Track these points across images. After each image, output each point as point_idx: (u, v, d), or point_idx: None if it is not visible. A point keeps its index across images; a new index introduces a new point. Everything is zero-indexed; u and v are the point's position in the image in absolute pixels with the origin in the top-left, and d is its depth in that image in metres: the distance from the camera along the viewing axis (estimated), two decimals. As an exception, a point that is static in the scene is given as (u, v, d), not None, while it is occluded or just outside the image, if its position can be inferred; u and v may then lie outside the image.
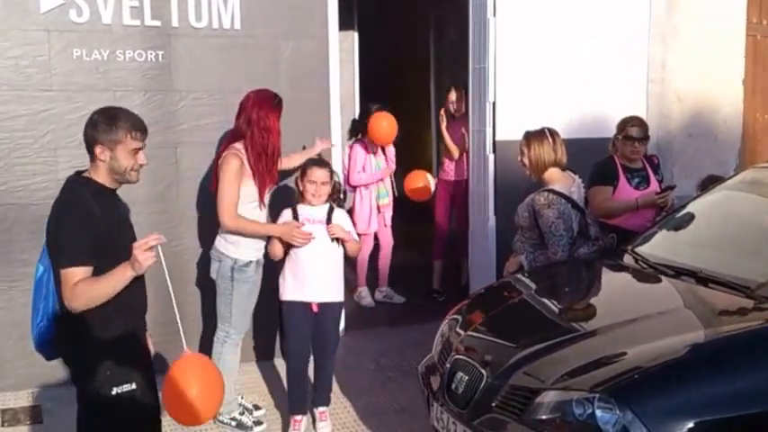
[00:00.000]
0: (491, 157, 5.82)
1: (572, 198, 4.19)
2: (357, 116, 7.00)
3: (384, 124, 6.32)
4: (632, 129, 4.85)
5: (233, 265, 4.21)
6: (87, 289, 2.82)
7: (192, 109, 4.98)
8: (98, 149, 2.94)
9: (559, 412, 2.88)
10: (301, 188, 4.17)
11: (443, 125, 6.72)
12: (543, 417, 2.91)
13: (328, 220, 4.15)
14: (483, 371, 3.22)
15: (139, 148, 3.00)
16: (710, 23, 6.48)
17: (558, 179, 4.21)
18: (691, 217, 4.25)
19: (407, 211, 7.19)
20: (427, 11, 9.09)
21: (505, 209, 5.84)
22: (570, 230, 4.17)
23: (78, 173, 3.06)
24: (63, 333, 2.98)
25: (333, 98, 5.39)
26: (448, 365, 3.46)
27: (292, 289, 4.19)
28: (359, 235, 6.50)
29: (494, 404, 3.10)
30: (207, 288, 4.73)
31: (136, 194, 4.78)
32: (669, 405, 2.71)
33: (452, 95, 6.71)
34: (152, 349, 3.29)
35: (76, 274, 2.82)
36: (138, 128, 3.01)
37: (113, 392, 2.91)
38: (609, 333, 3.14)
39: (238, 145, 4.13)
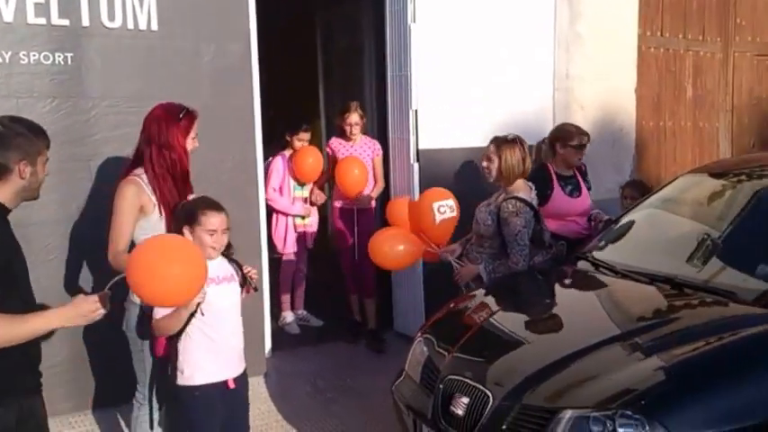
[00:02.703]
0: (415, 166, 5.67)
1: (534, 206, 4.14)
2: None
3: (310, 161, 5.77)
4: (583, 137, 4.92)
5: (141, 314, 3.39)
6: None
7: (106, 117, 4.46)
8: (21, 166, 2.59)
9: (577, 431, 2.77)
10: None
11: (337, 153, 5.79)
12: (562, 437, 2.79)
13: (241, 275, 3.32)
14: (487, 392, 3.05)
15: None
16: (607, 34, 6.70)
17: (522, 188, 4.14)
18: (638, 224, 4.31)
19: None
20: (312, 15, 8.81)
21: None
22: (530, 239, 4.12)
23: None
24: None
25: (256, 105, 5.05)
26: (441, 386, 3.25)
27: (207, 368, 3.18)
28: (279, 255, 6.10)
29: (504, 426, 2.94)
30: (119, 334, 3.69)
31: (46, 214, 4.30)
32: (695, 417, 2.68)
33: (353, 117, 5.70)
34: None
35: None
36: (47, 135, 2.75)
37: None
38: (613, 346, 3.06)
39: (139, 170, 3.47)
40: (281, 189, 5.95)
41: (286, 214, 5.98)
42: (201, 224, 3.15)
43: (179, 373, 3.18)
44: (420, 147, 5.69)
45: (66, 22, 4.30)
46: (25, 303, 2.63)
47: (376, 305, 5.93)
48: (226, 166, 4.83)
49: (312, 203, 6.04)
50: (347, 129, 5.72)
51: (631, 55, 6.94)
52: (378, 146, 5.86)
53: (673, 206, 4.31)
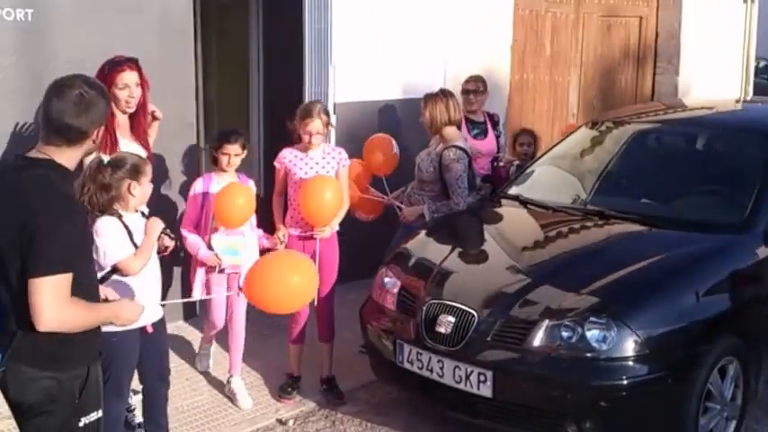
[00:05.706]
0: (333, 118, 6.09)
1: (469, 153, 4.76)
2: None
3: (240, 203, 4.14)
4: (467, 84, 5.73)
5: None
6: (84, 313, 2.44)
7: (62, 73, 4.49)
8: (98, 131, 2.54)
9: (552, 339, 3.49)
10: (129, 191, 3.31)
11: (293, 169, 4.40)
12: (539, 344, 3.50)
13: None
14: (472, 311, 3.67)
15: None
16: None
17: (458, 136, 4.73)
18: (552, 168, 5.09)
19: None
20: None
21: (347, 167, 6.22)
22: (466, 182, 4.76)
23: (21, 156, 2.53)
24: (26, 358, 2.45)
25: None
26: (424, 309, 3.83)
27: None
28: None
29: (489, 338, 3.60)
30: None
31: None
32: (651, 317, 3.49)
33: (315, 124, 4.30)
34: None
35: (65, 282, 2.35)
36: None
37: (81, 424, 2.54)
38: (572, 267, 3.85)
39: None
40: (202, 217, 4.40)
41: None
42: (147, 174, 3.39)
43: None
44: (336, 100, 6.14)
45: (24, -23, 4.34)
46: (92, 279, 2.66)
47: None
48: (168, 117, 5.01)
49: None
50: (306, 138, 4.35)
51: (509, 15, 7.72)
52: (344, 155, 4.54)
53: (577, 153, 5.12)
